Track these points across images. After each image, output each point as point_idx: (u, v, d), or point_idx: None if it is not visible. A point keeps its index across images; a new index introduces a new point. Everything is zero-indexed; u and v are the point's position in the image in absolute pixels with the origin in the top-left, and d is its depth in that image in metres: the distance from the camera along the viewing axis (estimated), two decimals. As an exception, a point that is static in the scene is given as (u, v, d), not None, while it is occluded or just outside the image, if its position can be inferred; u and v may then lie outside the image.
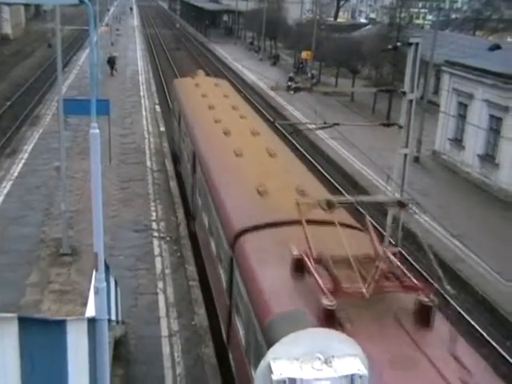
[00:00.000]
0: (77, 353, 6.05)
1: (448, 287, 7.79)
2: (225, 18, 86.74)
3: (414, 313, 6.96)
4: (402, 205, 9.03)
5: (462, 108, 25.98)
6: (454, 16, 76.84)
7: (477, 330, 14.34)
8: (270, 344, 5.78)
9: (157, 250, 15.52)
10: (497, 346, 13.74)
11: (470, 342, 7.60)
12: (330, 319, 6.51)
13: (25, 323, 4.67)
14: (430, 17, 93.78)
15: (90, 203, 7.17)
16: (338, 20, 77.29)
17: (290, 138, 27.99)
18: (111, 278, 9.84)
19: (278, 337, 5.38)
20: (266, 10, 57.83)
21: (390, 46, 18.38)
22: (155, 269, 14.51)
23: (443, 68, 28.09)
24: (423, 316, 6.90)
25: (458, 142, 26.17)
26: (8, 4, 59.67)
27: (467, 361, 6.32)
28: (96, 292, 7.15)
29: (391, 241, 14.72)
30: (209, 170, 13.45)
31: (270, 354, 4.81)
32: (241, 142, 14.21)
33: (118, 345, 10.90)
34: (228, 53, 60.61)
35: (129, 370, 10.69)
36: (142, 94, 36.40)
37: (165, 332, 11.95)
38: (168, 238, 16.25)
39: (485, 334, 14.19)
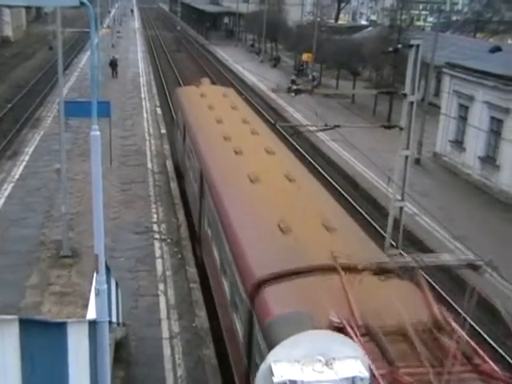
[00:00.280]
0: (77, 355, 6.05)
1: None
2: (226, 20, 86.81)
3: None
4: (473, 267, 7.78)
5: (463, 110, 25.97)
6: (454, 18, 76.85)
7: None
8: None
9: (158, 252, 15.51)
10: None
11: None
12: None
13: (25, 325, 4.66)
14: (430, 19, 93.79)
15: (90, 205, 7.17)
16: (339, 22, 77.27)
17: (291, 140, 27.99)
18: (112, 279, 9.83)
19: None
20: (266, 12, 57.86)
21: (390, 48, 18.41)
22: (156, 271, 14.50)
23: (444, 70, 28.09)
24: None
25: (458, 143, 26.16)
26: (9, 6, 59.71)
27: None
28: (97, 294, 7.15)
29: (392, 243, 14.71)
30: (220, 197, 11.83)
31: (271, 357, 4.80)
32: (255, 164, 12.66)
33: (119, 347, 10.89)
34: (229, 55, 60.65)
35: (129, 372, 10.68)
36: (142, 95, 36.42)
37: (166, 334, 11.94)
38: (169, 240, 16.25)
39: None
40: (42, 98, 35.35)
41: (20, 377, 4.63)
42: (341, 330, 6.05)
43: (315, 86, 40.68)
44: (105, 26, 65.41)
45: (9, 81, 42.55)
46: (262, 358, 6.40)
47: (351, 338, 5.73)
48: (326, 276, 7.64)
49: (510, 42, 57.34)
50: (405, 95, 13.42)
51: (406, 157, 14.03)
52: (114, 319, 9.73)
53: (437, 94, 36.64)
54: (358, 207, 21.42)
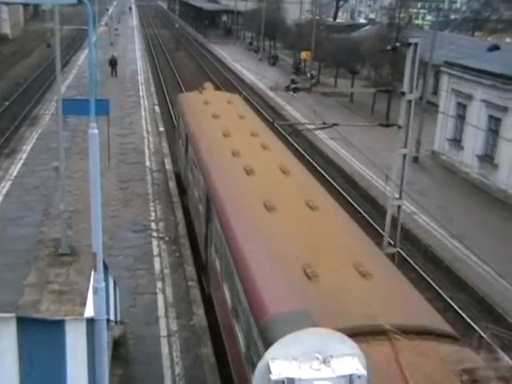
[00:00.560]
0: (75, 353, 6.05)
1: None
2: (224, 18, 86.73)
3: None
4: None
5: (461, 108, 25.99)
6: (453, 17, 76.86)
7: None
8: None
9: (156, 250, 15.52)
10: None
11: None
12: None
13: (23, 323, 4.66)
14: (429, 17, 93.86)
15: (88, 203, 7.19)
16: (338, 20, 77.32)
17: (289, 139, 28.00)
18: (110, 278, 9.83)
19: None
20: (265, 10, 57.82)
21: (389, 47, 18.39)
22: (154, 269, 14.51)
23: (442, 68, 28.10)
24: None
25: (456, 142, 26.19)
26: (7, 4, 59.64)
27: None
28: (95, 292, 7.15)
29: (390, 241, 14.74)
30: (230, 226, 10.29)
31: (269, 354, 4.80)
32: (269, 187, 11.31)
33: (117, 345, 10.90)
34: (227, 53, 60.61)
35: (128, 370, 10.69)
36: (141, 94, 36.39)
37: (164, 332, 11.94)
38: (167, 238, 16.25)
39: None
40: (40, 96, 35.30)
41: (18, 375, 4.63)
42: None
43: (313, 85, 40.66)
44: (103, 23, 65.28)
45: (6, 78, 42.49)
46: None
47: None
48: (371, 342, 6.20)
49: (508, 40, 57.37)
50: (403, 94, 13.43)
51: (404, 155, 14.06)
52: (112, 317, 9.73)
53: (435, 92, 36.66)
54: (356, 206, 21.44)
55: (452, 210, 20.68)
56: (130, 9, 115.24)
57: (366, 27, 59.44)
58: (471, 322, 14.61)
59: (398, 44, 18.09)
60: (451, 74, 26.72)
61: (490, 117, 23.83)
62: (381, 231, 17.58)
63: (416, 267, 17.12)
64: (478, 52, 32.31)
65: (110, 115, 21.17)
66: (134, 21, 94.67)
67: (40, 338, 5.12)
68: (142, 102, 34.12)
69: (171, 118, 32.70)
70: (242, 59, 56.31)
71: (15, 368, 4.61)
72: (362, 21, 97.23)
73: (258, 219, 9.99)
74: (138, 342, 11.48)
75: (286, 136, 26.75)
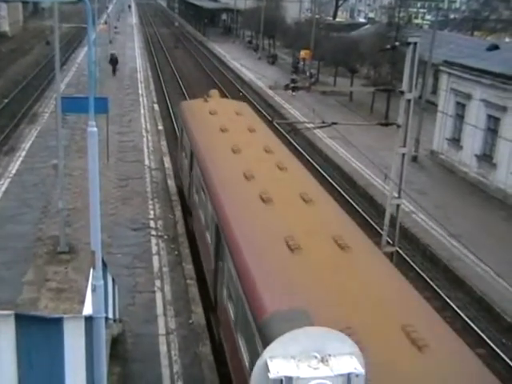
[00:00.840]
0: (74, 350, 6.05)
1: None
2: (223, 16, 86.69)
3: None
4: None
5: (460, 108, 26.00)
6: (452, 16, 76.90)
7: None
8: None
9: (154, 249, 15.51)
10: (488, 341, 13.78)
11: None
12: None
13: (22, 321, 4.66)
14: (428, 17, 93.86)
15: (87, 201, 7.19)
16: (337, 19, 77.23)
17: (288, 137, 28.00)
18: (109, 276, 9.84)
19: None
20: (264, 9, 57.77)
21: (388, 46, 18.43)
22: (153, 267, 14.51)
23: (441, 68, 28.10)
24: None
25: (455, 141, 26.20)
26: (6, 1, 59.55)
27: None
28: (93, 290, 7.16)
29: (389, 240, 14.76)
30: (247, 268, 8.55)
31: (267, 353, 4.81)
32: (291, 219, 9.72)
33: (115, 343, 10.91)
34: (226, 51, 60.57)
35: (126, 368, 10.69)
36: (140, 92, 36.37)
37: (162, 330, 11.94)
38: (166, 237, 16.25)
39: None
40: (39, 94, 35.28)
41: (16, 372, 4.64)
42: None
43: (313, 84, 40.65)
44: (102, 21, 65.20)
45: (6, 76, 42.44)
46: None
47: None
48: None
49: (507, 40, 57.38)
50: (402, 93, 13.45)
51: (403, 154, 14.07)
52: (110, 315, 9.74)
53: (434, 91, 36.66)
54: (355, 205, 21.44)
55: (450, 209, 20.69)
56: (130, 7, 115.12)
57: (366, 26, 59.41)
58: (469, 321, 14.63)
59: (397, 43, 18.08)
60: (450, 73, 26.72)
61: (489, 116, 23.84)
62: (379, 230, 17.59)
63: (414, 266, 17.14)
64: (477, 51, 32.31)
65: (109, 113, 21.16)
66: (134, 19, 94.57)
67: (38, 336, 5.13)
68: (141, 100, 34.10)
69: (170, 116, 32.70)
70: (241, 58, 56.29)
71: (14, 365, 4.61)
72: (362, 20, 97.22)
73: (281, 261, 8.23)
74: (136, 341, 11.48)
75: (285, 135, 26.76)
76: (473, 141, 24.72)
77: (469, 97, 25.06)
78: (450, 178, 25.17)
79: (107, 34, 53.90)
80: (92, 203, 7.00)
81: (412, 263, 17.31)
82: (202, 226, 13.52)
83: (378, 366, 5.70)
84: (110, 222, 16.41)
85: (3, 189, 18.87)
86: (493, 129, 23.68)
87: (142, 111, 31.27)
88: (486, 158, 23.98)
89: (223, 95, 39.65)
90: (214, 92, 19.73)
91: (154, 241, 15.97)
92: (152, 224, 16.99)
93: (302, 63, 49.58)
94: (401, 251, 16.99)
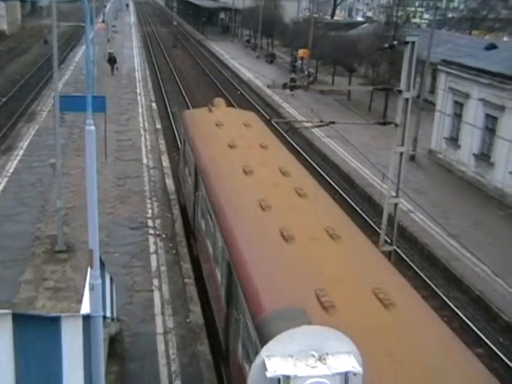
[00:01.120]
0: (71, 350, 6.04)
1: None
2: (222, 15, 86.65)
3: None
4: None
5: (458, 107, 26.02)
6: (450, 15, 76.93)
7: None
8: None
9: (152, 248, 15.51)
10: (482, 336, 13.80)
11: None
12: None
13: (19, 320, 4.65)
14: (426, 16, 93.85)
15: (85, 200, 7.17)
16: (335, 18, 77.25)
17: (286, 136, 28.00)
18: (106, 274, 9.83)
19: None
20: (262, 8, 57.75)
21: (386, 45, 18.38)
22: (150, 266, 14.50)
23: (439, 67, 28.11)
24: None
25: (453, 140, 26.22)
26: (4, 0, 59.43)
27: None
28: (91, 289, 7.15)
29: (387, 239, 14.76)
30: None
31: (264, 352, 4.81)
32: (321, 264, 8.21)
33: (113, 342, 10.91)
34: (225, 51, 60.55)
35: (124, 367, 10.69)
36: (138, 91, 36.34)
37: (160, 329, 11.94)
38: (164, 236, 16.24)
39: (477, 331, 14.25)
40: (37, 93, 35.22)
41: (13, 371, 4.63)
42: None
43: (311, 82, 40.65)
44: (100, 20, 65.13)
45: (3, 75, 42.37)
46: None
47: None
48: None
49: (505, 39, 57.42)
50: (400, 92, 13.45)
51: (401, 153, 14.07)
52: (108, 314, 9.74)
53: (432, 90, 36.70)
54: (353, 204, 21.45)
55: (448, 208, 20.72)
56: (128, 5, 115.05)
57: (364, 25, 59.41)
58: (467, 320, 14.65)
59: (395, 42, 18.07)
60: (448, 72, 26.74)
61: (487, 115, 23.86)
62: (377, 229, 17.60)
63: (412, 265, 17.15)
64: (476, 51, 32.33)
65: (107, 112, 21.14)
66: (132, 18, 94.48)
67: (36, 335, 5.12)
68: (139, 98, 34.08)
69: (168, 114, 32.69)
70: (240, 57, 56.27)
71: (11, 364, 4.60)
72: (360, 19, 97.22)
73: (316, 320, 6.43)
74: (134, 340, 11.48)
75: (283, 134, 26.77)
76: (471, 140, 24.74)
77: (467, 96, 25.08)
78: (448, 177, 25.20)
79: (105, 32, 53.86)
80: (90, 202, 6.99)
81: (410, 262, 17.32)
82: (210, 260, 11.99)
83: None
84: (108, 221, 16.40)
85: (1, 188, 18.85)
86: (491, 128, 23.70)
87: (140, 110, 31.25)
88: (484, 157, 24.00)
89: (222, 94, 39.80)
90: (219, 100, 18.25)
91: (151, 240, 15.96)
92: (150, 223, 16.98)
93: (300, 62, 49.57)
94: (399, 250, 17.00)
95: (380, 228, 15.31)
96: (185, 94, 39.08)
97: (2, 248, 14.74)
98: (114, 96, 32.27)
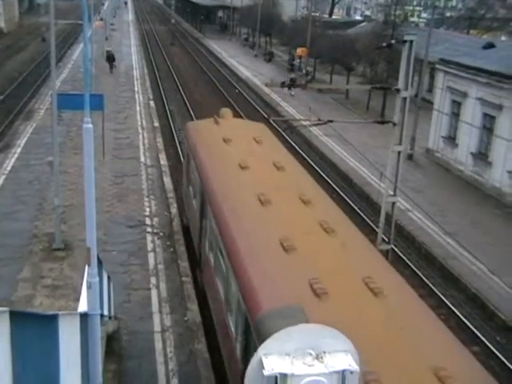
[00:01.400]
0: (69, 347, 6.05)
1: None
2: (220, 13, 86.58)
3: None
4: None
5: (456, 106, 26.05)
6: (448, 14, 76.90)
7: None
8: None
9: (150, 246, 15.51)
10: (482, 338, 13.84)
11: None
12: None
13: (16, 317, 4.65)
14: (424, 15, 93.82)
15: (83, 198, 7.18)
16: (333, 17, 77.24)
17: (284, 135, 28.00)
18: (104, 273, 9.83)
19: None
20: (260, 6, 57.72)
21: (384, 44, 18.40)
22: (148, 264, 14.50)
23: (437, 66, 28.14)
24: None
25: (451, 139, 26.25)
26: (1, -3, 59.30)
27: None
28: (88, 287, 7.16)
29: (384, 238, 14.79)
30: None
31: (262, 350, 4.81)
32: (354, 314, 7.19)
33: (111, 340, 10.90)
34: (223, 49, 60.50)
35: (121, 366, 10.69)
36: (136, 89, 36.31)
37: (157, 327, 11.95)
38: (161, 234, 16.24)
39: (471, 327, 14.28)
40: (35, 90, 35.17)
41: (11, 369, 4.63)
42: None
43: (309, 81, 40.65)
44: (98, 18, 65.03)
45: (1, 72, 42.29)
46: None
47: None
48: None
49: (503, 38, 57.48)
50: (398, 91, 13.46)
51: (399, 152, 14.10)
52: (105, 312, 9.74)
53: (430, 89, 36.71)
54: (350, 203, 21.46)
55: (446, 207, 20.75)
56: (126, 3, 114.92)
57: (362, 24, 59.43)
58: (464, 319, 14.68)
59: (393, 41, 18.08)
60: (446, 71, 26.76)
61: (485, 115, 23.89)
62: (375, 228, 17.64)
63: (410, 264, 17.18)
64: (473, 50, 32.36)
65: (105, 110, 21.12)
66: (130, 15, 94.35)
67: (33, 333, 5.12)
68: (136, 96, 34.05)
69: (166, 113, 32.67)
70: (238, 55, 56.24)
71: (8, 362, 4.60)
72: (358, 18, 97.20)
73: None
74: (131, 338, 11.48)
75: (281, 132, 26.76)
76: (468, 139, 24.77)
77: (465, 95, 25.11)
78: (446, 176, 25.23)
79: (103, 30, 53.79)
80: (87, 200, 7.00)
81: (407, 261, 17.35)
82: (220, 302, 10.24)
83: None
84: (106, 219, 16.40)
85: (-2, 186, 18.83)
86: (488, 127, 23.74)
87: (138, 108, 31.22)
88: (482, 156, 24.04)
89: (221, 93, 39.77)
90: (226, 111, 16.41)
91: (149, 238, 15.96)
92: (148, 221, 16.98)
93: (298, 61, 49.57)
94: (396, 249, 17.03)
95: (378, 227, 15.34)
96: (183, 93, 39.07)
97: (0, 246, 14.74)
98: (112, 94, 32.24)
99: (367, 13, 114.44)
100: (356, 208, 20.96)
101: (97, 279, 7.21)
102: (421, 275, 16.66)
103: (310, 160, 25.97)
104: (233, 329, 9.19)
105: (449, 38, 41.96)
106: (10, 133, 25.47)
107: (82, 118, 7.25)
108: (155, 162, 22.33)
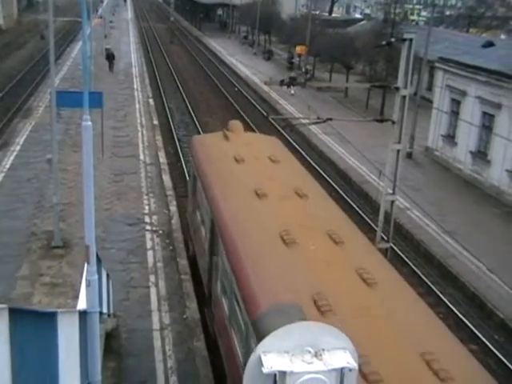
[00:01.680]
0: (68, 345, 6.05)
1: None
2: (219, 11, 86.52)
3: None
4: None
5: (455, 104, 26.06)
6: (448, 13, 76.92)
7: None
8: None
9: (149, 244, 15.51)
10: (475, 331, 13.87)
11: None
12: None
13: (15, 315, 4.65)
14: (424, 13, 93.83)
15: (82, 196, 7.17)
16: (333, 15, 77.20)
17: (283, 133, 28.01)
18: (103, 270, 9.83)
19: None
20: (260, 4, 57.67)
21: (384, 42, 18.38)
22: (147, 262, 14.50)
23: (437, 64, 28.14)
24: None
25: (450, 138, 26.26)
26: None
27: None
28: (87, 285, 7.16)
29: (383, 236, 14.79)
30: None
31: (260, 347, 4.82)
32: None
33: (110, 338, 10.91)
34: (222, 47, 60.45)
35: (120, 363, 10.70)
36: (135, 86, 36.27)
37: (156, 325, 11.96)
38: (160, 232, 16.24)
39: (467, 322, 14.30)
40: (34, 88, 35.12)
41: (10, 367, 4.63)
42: None
43: (308, 79, 40.64)
44: (97, 16, 64.91)
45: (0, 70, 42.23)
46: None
47: None
48: None
49: (502, 37, 57.49)
50: (397, 89, 13.46)
51: (398, 151, 14.10)
52: (104, 310, 9.74)
53: (429, 88, 36.72)
54: (350, 201, 21.47)
55: (445, 205, 20.76)
56: (125, 1, 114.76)
57: (362, 22, 59.41)
58: (462, 317, 14.71)
59: (393, 39, 18.07)
60: (446, 70, 26.76)
61: (484, 113, 23.90)
62: (374, 226, 17.64)
63: (408, 262, 17.20)
64: (473, 48, 32.36)
65: (104, 108, 21.09)
66: (129, 13, 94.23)
67: (32, 330, 5.12)
68: (136, 94, 34.01)
69: (165, 111, 32.64)
70: (237, 53, 56.20)
71: (7, 360, 4.60)
72: (358, 16, 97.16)
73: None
74: (130, 335, 11.49)
75: (281, 130, 26.77)
76: (467, 138, 24.79)
77: (464, 94, 25.12)
78: (445, 174, 25.24)
79: (102, 28, 53.68)
80: (86, 198, 6.99)
81: (406, 259, 17.37)
82: (236, 360, 8.57)
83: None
84: (105, 217, 16.39)
85: (-3, 183, 18.81)
86: (487, 126, 23.75)
87: (137, 106, 31.20)
88: (481, 154, 24.05)
89: (220, 92, 39.73)
90: (235, 124, 14.73)
91: (148, 236, 15.96)
92: (147, 219, 16.98)
93: (297, 59, 49.56)
94: (395, 247, 17.04)
95: (376, 225, 15.35)
96: (182, 91, 39.05)
97: (-2, 243, 14.73)
98: (111, 92, 32.19)
99: (367, 11, 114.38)
100: (355, 206, 20.97)
101: (96, 277, 7.21)
102: (419, 273, 16.67)
103: (309, 158, 25.98)
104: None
105: (448, 37, 41.95)
106: (9, 130, 25.44)
107: (81, 115, 7.24)
108: (154, 160, 22.32)
